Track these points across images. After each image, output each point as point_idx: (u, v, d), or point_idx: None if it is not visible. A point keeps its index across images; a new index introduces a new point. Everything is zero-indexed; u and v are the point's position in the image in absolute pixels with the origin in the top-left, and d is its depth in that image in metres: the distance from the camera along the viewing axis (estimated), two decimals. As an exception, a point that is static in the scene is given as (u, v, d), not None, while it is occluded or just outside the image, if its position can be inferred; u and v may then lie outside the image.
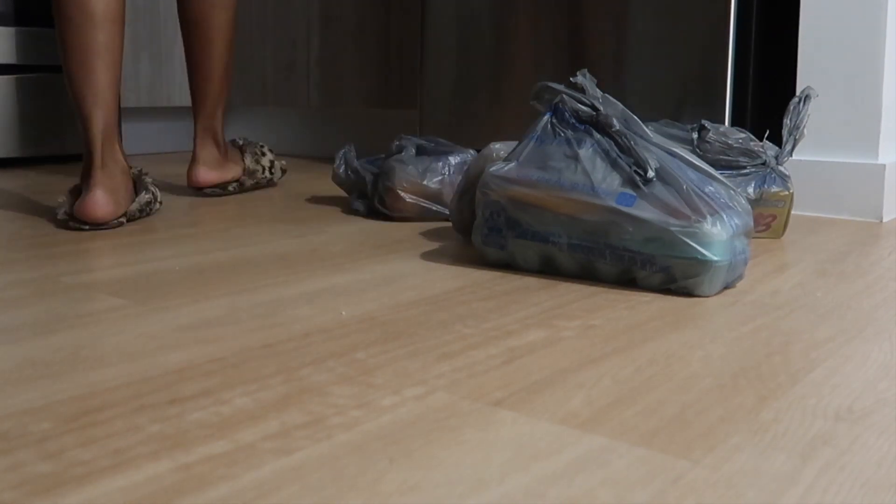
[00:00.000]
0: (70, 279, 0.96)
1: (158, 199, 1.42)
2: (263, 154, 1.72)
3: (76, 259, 1.07)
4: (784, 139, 1.24)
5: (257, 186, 1.71)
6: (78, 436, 0.54)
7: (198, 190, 1.60)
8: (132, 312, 0.82)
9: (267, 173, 1.71)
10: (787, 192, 1.23)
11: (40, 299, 0.87)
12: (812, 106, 1.30)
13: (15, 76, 2.18)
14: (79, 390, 0.61)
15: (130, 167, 1.37)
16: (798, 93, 1.28)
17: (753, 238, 1.23)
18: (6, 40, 2.16)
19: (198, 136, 1.58)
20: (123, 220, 1.30)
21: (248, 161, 1.66)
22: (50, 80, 2.24)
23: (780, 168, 1.24)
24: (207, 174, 1.58)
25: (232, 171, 1.63)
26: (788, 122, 1.23)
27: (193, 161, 1.58)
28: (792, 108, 1.24)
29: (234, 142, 1.73)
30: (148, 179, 1.39)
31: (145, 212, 1.37)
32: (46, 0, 2.21)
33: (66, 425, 0.55)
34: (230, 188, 1.62)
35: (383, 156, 1.48)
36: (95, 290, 0.91)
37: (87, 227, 1.26)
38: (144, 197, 1.35)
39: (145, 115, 2.60)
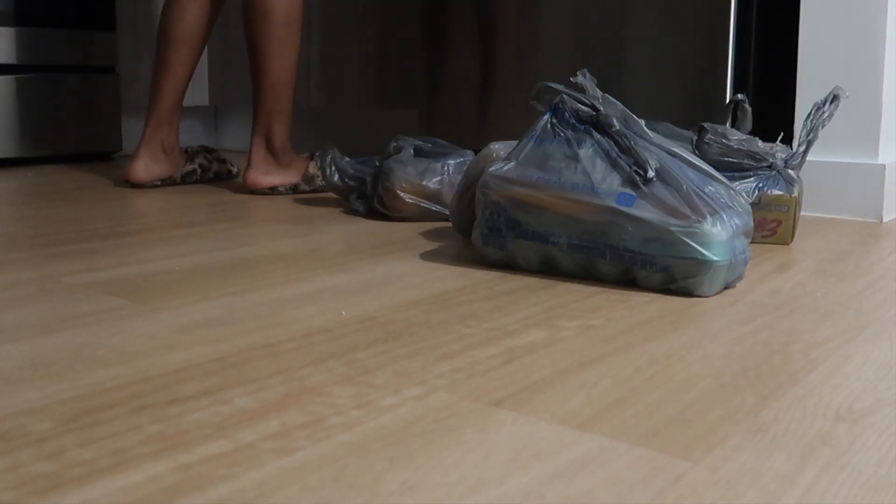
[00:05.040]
0: (70, 279, 0.96)
1: (211, 171, 1.86)
2: None
3: (76, 259, 1.07)
4: (799, 140, 1.19)
5: (315, 192, 1.74)
6: (78, 436, 0.54)
7: (250, 192, 1.72)
8: (132, 312, 0.82)
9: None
10: (789, 197, 1.18)
11: (40, 299, 0.87)
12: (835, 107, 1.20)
13: (15, 76, 2.18)
14: (79, 390, 0.61)
15: (186, 149, 1.84)
16: (827, 93, 1.21)
17: (760, 243, 1.21)
18: (6, 40, 2.16)
19: (252, 140, 1.70)
20: (158, 182, 1.76)
21: (312, 168, 1.71)
22: (50, 79, 2.24)
23: (789, 171, 1.19)
24: (255, 177, 1.68)
25: (284, 177, 1.70)
26: (809, 123, 1.18)
27: (247, 165, 1.70)
28: (814, 109, 1.19)
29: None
30: (199, 158, 1.83)
31: (189, 180, 1.82)
32: (47, 0, 2.21)
33: (66, 425, 0.55)
34: (279, 189, 1.70)
35: (375, 157, 1.48)
36: (95, 290, 0.91)
37: (129, 185, 1.76)
38: (187, 167, 1.81)
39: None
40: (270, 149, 1.69)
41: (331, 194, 1.68)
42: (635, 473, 0.50)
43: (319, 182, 1.71)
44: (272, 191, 1.69)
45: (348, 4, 2.30)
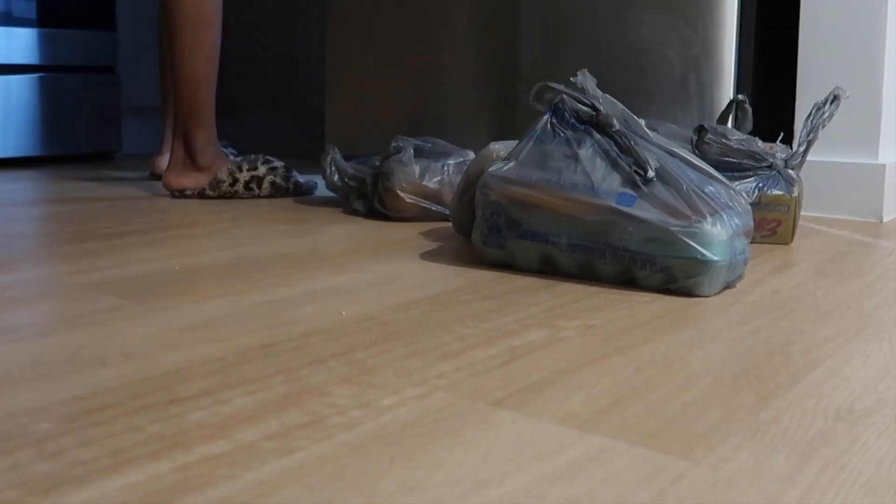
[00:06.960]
0: (70, 279, 0.96)
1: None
2: (254, 168, 1.67)
3: (76, 259, 1.07)
4: (799, 140, 1.19)
5: (225, 197, 1.67)
6: (78, 436, 0.54)
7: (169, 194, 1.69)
8: (132, 312, 0.82)
9: (240, 187, 1.65)
10: (789, 197, 1.18)
11: (40, 299, 0.87)
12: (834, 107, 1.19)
13: (15, 76, 2.18)
14: (79, 390, 0.61)
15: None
16: (827, 93, 1.21)
17: (760, 243, 1.21)
18: (6, 41, 2.16)
19: (173, 142, 1.65)
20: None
21: (223, 174, 1.64)
22: (50, 79, 2.24)
23: (789, 171, 1.19)
24: (168, 179, 1.64)
25: (197, 180, 1.64)
26: (809, 123, 1.18)
27: (167, 167, 1.67)
28: (814, 110, 1.18)
29: (248, 157, 1.73)
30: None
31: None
32: (68, 2, 2.23)
33: (66, 425, 0.55)
34: (187, 193, 1.65)
35: (375, 157, 1.48)
36: (95, 290, 0.91)
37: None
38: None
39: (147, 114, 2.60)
40: (188, 151, 1.62)
41: (331, 193, 1.68)
42: (635, 473, 0.50)
43: (227, 188, 1.64)
44: (180, 194, 1.64)
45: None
